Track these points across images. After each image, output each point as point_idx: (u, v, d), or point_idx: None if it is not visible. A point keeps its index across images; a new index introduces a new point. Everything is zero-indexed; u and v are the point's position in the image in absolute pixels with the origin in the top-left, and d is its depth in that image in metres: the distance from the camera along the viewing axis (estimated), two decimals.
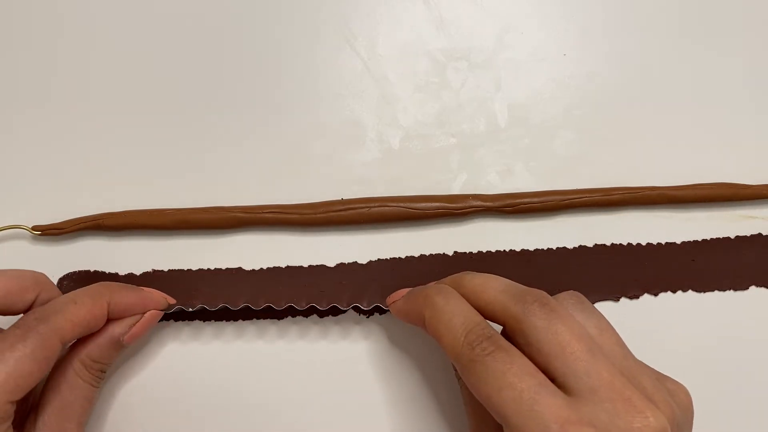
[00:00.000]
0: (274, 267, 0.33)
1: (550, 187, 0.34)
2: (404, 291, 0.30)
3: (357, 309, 0.32)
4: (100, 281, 0.29)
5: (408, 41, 0.36)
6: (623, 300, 0.33)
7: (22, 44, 0.35)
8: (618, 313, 0.33)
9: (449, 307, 0.26)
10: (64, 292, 0.32)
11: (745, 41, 0.37)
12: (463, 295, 0.27)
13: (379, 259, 0.33)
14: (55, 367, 0.27)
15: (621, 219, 0.34)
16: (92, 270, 0.33)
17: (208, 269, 0.33)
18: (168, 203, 0.33)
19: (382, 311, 0.32)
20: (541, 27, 0.37)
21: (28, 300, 0.27)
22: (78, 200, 0.33)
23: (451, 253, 0.34)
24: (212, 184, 0.34)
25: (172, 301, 0.31)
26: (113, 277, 0.33)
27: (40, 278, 0.28)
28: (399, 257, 0.33)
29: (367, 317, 0.32)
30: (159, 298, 0.30)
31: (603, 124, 0.35)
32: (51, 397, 0.27)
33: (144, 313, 0.29)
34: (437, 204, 0.33)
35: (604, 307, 0.33)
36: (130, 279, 0.33)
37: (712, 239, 0.34)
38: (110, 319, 0.28)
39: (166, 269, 0.33)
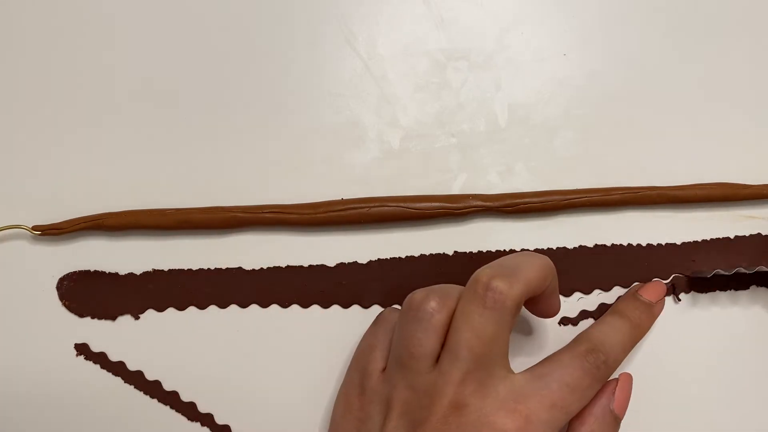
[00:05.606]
0: (274, 267, 0.33)
1: (550, 187, 0.34)
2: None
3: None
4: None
5: (408, 41, 0.36)
6: None
7: (20, 45, 0.35)
8: None
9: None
10: (64, 293, 0.32)
11: (745, 41, 0.37)
12: None
13: (379, 259, 0.33)
14: None
15: (621, 219, 0.34)
16: (92, 270, 0.33)
17: (208, 269, 0.33)
18: (168, 203, 0.33)
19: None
20: (541, 27, 0.36)
21: (544, 287, 0.28)
22: (78, 200, 0.33)
23: (451, 253, 0.34)
24: (212, 184, 0.34)
25: None
26: (113, 277, 0.33)
27: (553, 266, 0.28)
28: (399, 257, 0.33)
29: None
30: None
31: (603, 124, 0.35)
32: None
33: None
34: (437, 204, 0.33)
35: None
36: (130, 279, 0.33)
37: (712, 239, 0.34)
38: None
39: (166, 269, 0.33)
